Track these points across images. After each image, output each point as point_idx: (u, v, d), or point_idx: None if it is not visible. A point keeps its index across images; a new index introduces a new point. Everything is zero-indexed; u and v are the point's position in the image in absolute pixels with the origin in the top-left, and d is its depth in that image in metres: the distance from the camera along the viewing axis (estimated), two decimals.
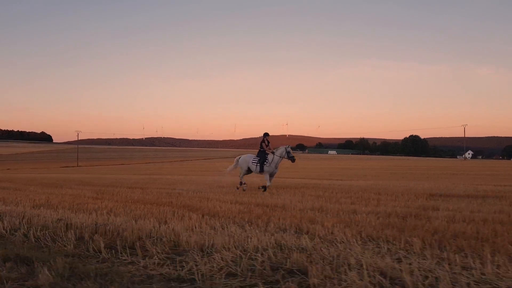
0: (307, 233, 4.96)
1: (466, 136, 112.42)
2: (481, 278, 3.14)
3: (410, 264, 3.45)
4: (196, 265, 3.50)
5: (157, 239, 4.51)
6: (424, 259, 3.66)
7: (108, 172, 46.14)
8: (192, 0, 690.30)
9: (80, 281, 3.21)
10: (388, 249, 4.10)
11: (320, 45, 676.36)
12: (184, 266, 3.51)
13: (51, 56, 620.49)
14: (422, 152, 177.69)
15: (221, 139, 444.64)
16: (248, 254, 3.78)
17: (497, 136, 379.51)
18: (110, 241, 4.46)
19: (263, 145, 12.63)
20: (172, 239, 4.47)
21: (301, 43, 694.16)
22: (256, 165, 12.37)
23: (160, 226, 5.18)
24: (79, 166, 78.93)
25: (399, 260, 3.61)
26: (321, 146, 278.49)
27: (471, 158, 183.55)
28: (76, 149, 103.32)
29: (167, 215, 6.61)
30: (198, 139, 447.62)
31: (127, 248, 4.11)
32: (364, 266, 3.26)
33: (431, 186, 13.81)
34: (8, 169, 69.43)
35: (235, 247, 4.01)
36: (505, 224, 5.58)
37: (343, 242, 4.34)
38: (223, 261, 3.59)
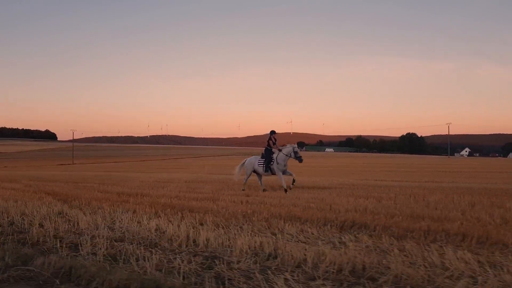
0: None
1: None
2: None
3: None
4: None
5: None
6: None
7: (92, 170, 48.96)
8: (200, 0, 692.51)
9: None
10: None
11: (323, 43, 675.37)
12: None
13: (55, 55, 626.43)
14: (419, 150, 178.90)
15: (226, 137, 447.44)
16: None
17: (502, 134, 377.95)
18: None
19: (270, 143, 12.49)
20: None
21: (305, 42, 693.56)
22: (263, 166, 12.24)
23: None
24: (74, 164, 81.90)
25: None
26: (322, 143, 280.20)
27: (468, 155, 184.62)
28: (78, 147, 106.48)
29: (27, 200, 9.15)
30: (203, 137, 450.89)
31: None
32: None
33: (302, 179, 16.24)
34: (6, 166, 72.66)
35: None
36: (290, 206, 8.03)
37: None
38: None
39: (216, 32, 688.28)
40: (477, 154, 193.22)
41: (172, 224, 5.33)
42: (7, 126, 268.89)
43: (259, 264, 3.57)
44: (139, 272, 3.27)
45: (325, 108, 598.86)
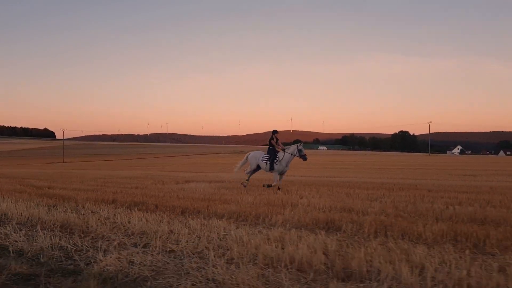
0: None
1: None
2: None
3: None
4: None
5: None
6: None
7: (73, 168, 51.20)
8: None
9: None
10: None
11: (324, 41, 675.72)
12: None
13: (55, 55, 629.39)
14: (411, 148, 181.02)
15: (226, 135, 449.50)
16: None
17: (500, 131, 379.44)
18: None
19: (272, 143, 12.28)
20: None
21: (306, 40, 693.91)
22: (266, 163, 12.13)
23: None
24: (65, 162, 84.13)
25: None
26: (318, 142, 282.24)
27: (460, 153, 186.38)
28: (77, 145, 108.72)
29: None
30: (203, 135, 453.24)
31: None
32: None
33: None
34: None
35: None
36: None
37: None
38: None
39: (216, 31, 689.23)
40: (469, 152, 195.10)
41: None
42: (6, 125, 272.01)
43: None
44: None
45: (326, 106, 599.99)
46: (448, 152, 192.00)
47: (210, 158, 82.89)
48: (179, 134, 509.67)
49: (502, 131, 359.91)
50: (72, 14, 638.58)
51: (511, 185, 13.90)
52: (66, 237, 4.95)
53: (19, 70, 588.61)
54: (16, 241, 4.72)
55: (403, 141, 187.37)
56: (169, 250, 4.32)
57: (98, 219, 6.00)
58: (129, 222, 5.73)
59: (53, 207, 7.76)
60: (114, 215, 6.34)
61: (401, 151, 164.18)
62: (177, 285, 3.30)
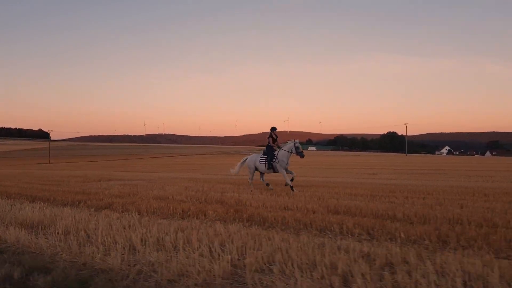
0: None
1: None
2: None
3: None
4: None
5: None
6: None
7: (55, 168, 53.88)
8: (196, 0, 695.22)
9: None
10: None
11: (321, 42, 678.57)
12: None
13: (52, 56, 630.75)
14: (400, 148, 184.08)
15: (223, 136, 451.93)
16: None
17: (496, 132, 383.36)
18: None
19: (270, 140, 12.20)
20: None
21: (302, 41, 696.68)
22: (265, 163, 12.02)
23: None
24: (51, 163, 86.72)
25: None
26: (310, 142, 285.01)
27: (447, 154, 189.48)
28: (72, 146, 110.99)
29: None
30: (200, 135, 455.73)
31: None
32: None
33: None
34: None
35: None
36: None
37: None
38: None
39: (213, 32, 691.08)
40: (457, 152, 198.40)
41: None
42: (1, 126, 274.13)
43: None
44: None
45: (323, 106, 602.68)
46: (436, 152, 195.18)
47: (191, 159, 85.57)
48: (175, 135, 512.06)
49: (497, 132, 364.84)
50: (72, 14, 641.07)
51: (382, 183, 16.60)
52: None
53: (15, 71, 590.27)
54: None
55: (391, 142, 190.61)
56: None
57: None
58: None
59: None
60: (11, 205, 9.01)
61: (387, 152, 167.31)
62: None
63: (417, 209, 7.28)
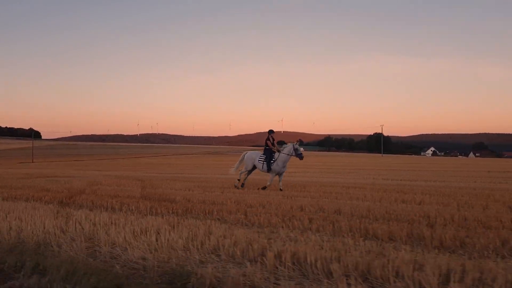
0: None
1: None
2: None
3: None
4: None
5: None
6: None
7: (31, 167, 55.72)
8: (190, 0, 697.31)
9: None
10: None
11: (315, 41, 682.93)
12: None
13: (45, 55, 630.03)
14: (386, 149, 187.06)
15: (217, 135, 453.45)
16: None
17: (488, 133, 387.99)
18: None
19: (268, 143, 12.14)
20: None
21: (297, 40, 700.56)
22: (263, 163, 11.98)
23: None
24: (34, 162, 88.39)
25: None
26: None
27: (432, 155, 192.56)
28: (62, 145, 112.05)
29: None
30: (194, 135, 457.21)
31: None
32: None
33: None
34: None
35: None
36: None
37: None
38: None
39: (207, 31, 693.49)
40: (442, 154, 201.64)
41: None
42: None
43: None
44: None
45: (317, 107, 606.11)
46: (422, 153, 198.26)
47: (171, 159, 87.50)
48: (169, 135, 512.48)
49: (490, 133, 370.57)
50: (72, 14, 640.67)
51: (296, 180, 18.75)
52: None
53: (9, 70, 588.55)
54: None
55: (376, 143, 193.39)
56: None
57: None
58: None
59: None
60: None
61: (372, 152, 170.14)
62: None
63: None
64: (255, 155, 12.51)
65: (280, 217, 6.02)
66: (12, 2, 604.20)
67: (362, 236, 4.75)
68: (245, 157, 12.76)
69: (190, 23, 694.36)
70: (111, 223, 5.47)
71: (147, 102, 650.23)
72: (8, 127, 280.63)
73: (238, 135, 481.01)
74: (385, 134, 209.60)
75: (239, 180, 12.49)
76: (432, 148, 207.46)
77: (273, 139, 12.29)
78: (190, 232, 4.64)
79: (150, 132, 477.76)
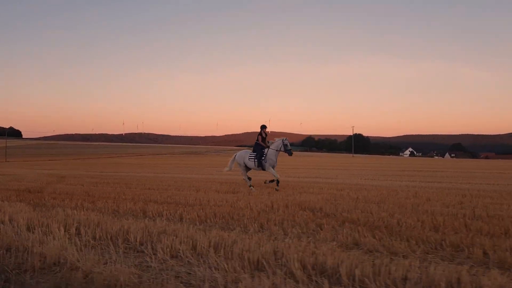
0: None
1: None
2: None
3: None
4: None
5: None
6: None
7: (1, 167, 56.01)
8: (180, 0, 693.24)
9: None
10: None
11: (305, 41, 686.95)
12: None
13: (34, 54, 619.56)
14: (364, 149, 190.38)
15: (203, 135, 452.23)
16: None
17: (466, 134, 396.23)
18: None
19: (259, 138, 12.17)
20: None
21: (284, 41, 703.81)
22: (254, 161, 11.99)
23: None
24: (7, 161, 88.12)
25: None
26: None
27: (410, 155, 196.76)
28: (40, 144, 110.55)
29: None
30: (180, 135, 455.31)
31: None
32: None
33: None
34: None
35: None
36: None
37: None
38: None
39: (195, 32, 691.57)
40: (419, 154, 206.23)
41: None
42: None
43: None
44: None
45: (305, 107, 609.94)
46: (400, 154, 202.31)
47: (141, 159, 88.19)
48: (155, 134, 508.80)
49: (467, 134, 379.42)
50: (70, 13, 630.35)
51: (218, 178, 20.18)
52: None
53: None
54: None
55: (356, 143, 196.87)
56: None
57: None
58: None
59: None
60: None
61: (350, 153, 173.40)
62: None
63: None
64: (245, 154, 12.52)
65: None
66: (13, 2, 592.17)
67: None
68: (236, 157, 12.79)
69: (173, 24, 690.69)
70: None
71: (133, 101, 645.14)
72: None
73: (225, 135, 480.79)
74: (369, 135, 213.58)
75: (250, 181, 12.23)
76: (410, 149, 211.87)
77: (266, 135, 12.25)
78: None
79: (136, 132, 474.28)
